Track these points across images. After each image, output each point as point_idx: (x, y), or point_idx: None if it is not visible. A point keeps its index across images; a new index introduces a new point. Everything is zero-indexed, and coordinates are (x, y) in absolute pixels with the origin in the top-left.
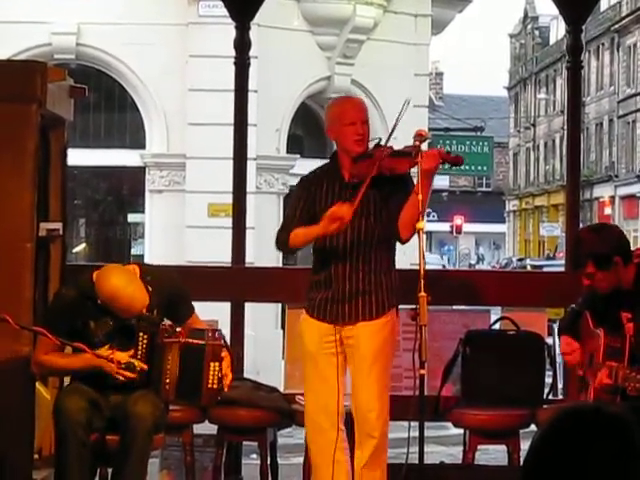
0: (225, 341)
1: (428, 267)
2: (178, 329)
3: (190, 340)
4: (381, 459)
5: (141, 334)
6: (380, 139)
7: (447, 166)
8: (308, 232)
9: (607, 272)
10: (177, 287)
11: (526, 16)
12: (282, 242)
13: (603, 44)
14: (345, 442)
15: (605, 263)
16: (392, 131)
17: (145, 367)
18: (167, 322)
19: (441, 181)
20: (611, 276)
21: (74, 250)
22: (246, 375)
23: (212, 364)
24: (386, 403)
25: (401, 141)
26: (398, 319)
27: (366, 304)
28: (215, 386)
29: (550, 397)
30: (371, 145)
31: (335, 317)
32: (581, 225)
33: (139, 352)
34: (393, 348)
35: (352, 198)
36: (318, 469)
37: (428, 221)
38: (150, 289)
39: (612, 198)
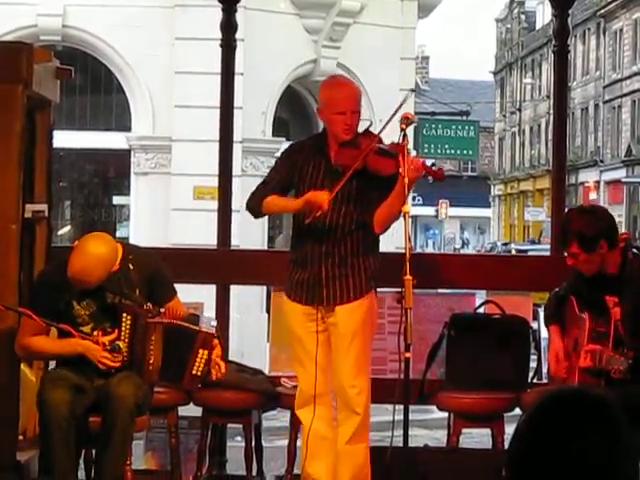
0: (218, 331)
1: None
2: (162, 310)
3: (182, 323)
4: (364, 435)
5: (124, 315)
6: (371, 123)
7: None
8: (286, 205)
9: (591, 255)
10: (159, 268)
11: (512, 0)
12: (254, 206)
13: (589, 29)
14: (335, 420)
15: (590, 246)
16: (386, 124)
17: (125, 357)
18: (150, 304)
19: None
20: (595, 259)
21: (59, 232)
22: (231, 358)
23: (201, 351)
24: (367, 380)
25: (387, 125)
26: (376, 300)
27: (343, 288)
28: (199, 373)
29: (535, 381)
30: (361, 128)
31: (311, 300)
32: (566, 210)
33: (122, 333)
34: (372, 326)
35: (333, 186)
36: (309, 445)
37: (413, 205)
38: (132, 267)
39: (597, 183)
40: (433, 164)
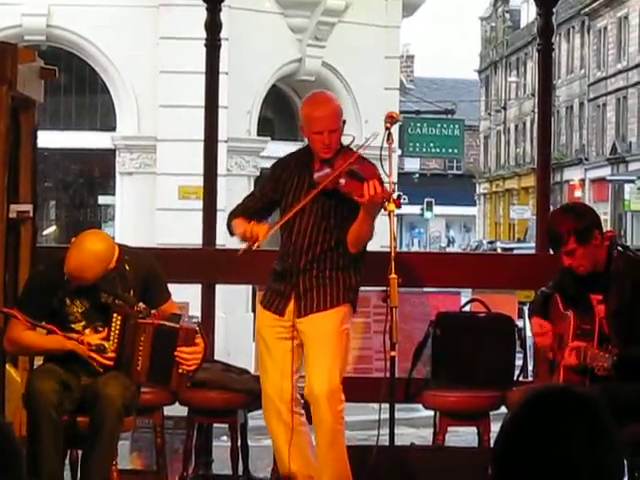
0: (201, 328)
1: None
2: (153, 311)
3: (164, 323)
4: (339, 439)
5: (115, 315)
6: (353, 138)
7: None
8: (238, 229)
9: (587, 247)
10: (154, 270)
11: None
12: (228, 224)
13: (574, 27)
14: (304, 425)
15: (586, 237)
16: (364, 143)
17: (114, 355)
18: (141, 305)
19: (412, 164)
20: (590, 252)
21: (44, 232)
22: (217, 357)
23: (184, 349)
24: (337, 386)
25: (372, 124)
26: (351, 314)
27: (320, 297)
28: (183, 370)
29: (520, 379)
30: (345, 139)
31: (280, 312)
32: (552, 208)
33: (112, 332)
34: (346, 338)
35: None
36: (278, 451)
37: None
38: (128, 268)
39: (582, 181)
40: (400, 196)
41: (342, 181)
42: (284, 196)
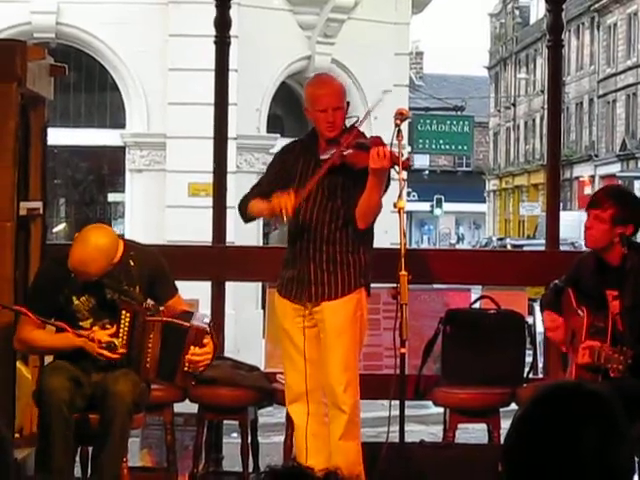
0: (212, 329)
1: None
2: (161, 308)
3: (174, 320)
4: (355, 431)
5: (124, 312)
6: (358, 119)
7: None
8: (260, 207)
9: (613, 229)
10: (160, 265)
11: None
12: (241, 211)
13: (583, 23)
14: (326, 416)
15: (620, 220)
16: (365, 116)
17: (124, 351)
18: (150, 302)
19: (421, 160)
20: (610, 234)
21: (54, 229)
22: (227, 354)
23: (192, 348)
24: (354, 377)
25: (382, 121)
26: (367, 297)
27: (332, 284)
28: (191, 370)
29: (530, 376)
30: (350, 122)
31: (299, 298)
32: (561, 204)
33: (121, 330)
34: (361, 324)
35: (302, 187)
36: (300, 442)
37: (408, 201)
38: (133, 264)
39: (592, 177)
40: (407, 157)
41: (349, 151)
42: (291, 180)
